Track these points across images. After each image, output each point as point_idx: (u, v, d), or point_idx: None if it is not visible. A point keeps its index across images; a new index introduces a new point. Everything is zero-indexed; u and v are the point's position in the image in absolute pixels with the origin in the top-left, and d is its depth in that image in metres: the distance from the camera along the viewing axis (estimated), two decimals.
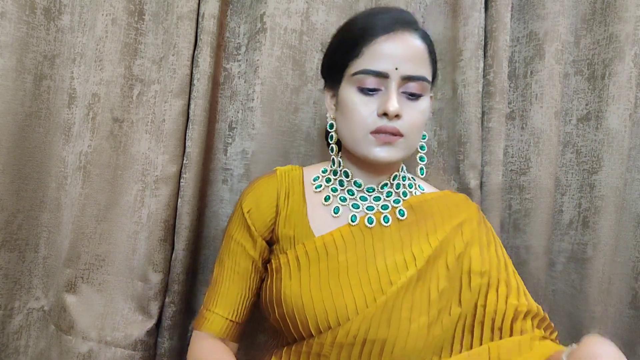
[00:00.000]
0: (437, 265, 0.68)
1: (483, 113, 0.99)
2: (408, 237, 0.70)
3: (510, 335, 0.65)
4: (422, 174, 0.74)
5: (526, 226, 0.99)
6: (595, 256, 0.98)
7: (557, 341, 0.69)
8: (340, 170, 0.74)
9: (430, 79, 0.69)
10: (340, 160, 0.75)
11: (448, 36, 1.02)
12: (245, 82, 1.01)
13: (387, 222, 0.70)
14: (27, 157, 0.90)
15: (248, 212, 0.73)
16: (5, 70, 0.84)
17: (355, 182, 0.73)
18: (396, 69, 0.65)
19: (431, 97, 0.74)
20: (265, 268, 0.74)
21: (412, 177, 0.77)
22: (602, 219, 0.98)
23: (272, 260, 0.72)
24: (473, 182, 0.97)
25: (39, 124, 0.91)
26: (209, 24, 0.93)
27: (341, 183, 0.74)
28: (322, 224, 0.71)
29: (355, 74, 0.67)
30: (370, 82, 0.66)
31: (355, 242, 0.69)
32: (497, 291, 0.67)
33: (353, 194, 0.73)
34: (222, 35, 1.00)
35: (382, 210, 0.71)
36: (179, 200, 0.93)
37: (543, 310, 0.70)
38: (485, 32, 0.99)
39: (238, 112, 1.01)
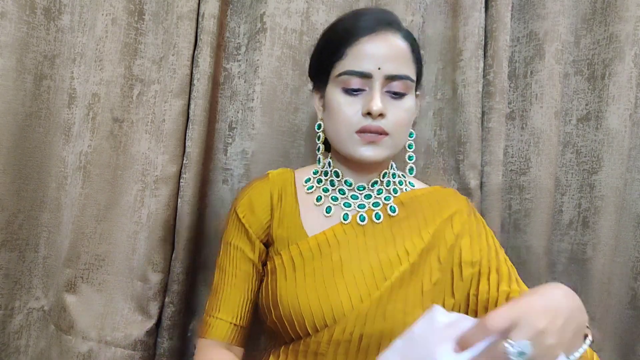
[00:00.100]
0: (430, 258, 0.69)
1: (483, 113, 0.99)
2: (400, 232, 0.70)
3: None
4: (411, 174, 0.75)
5: (526, 226, 0.99)
6: (595, 256, 0.98)
7: None
8: (331, 171, 0.75)
9: (414, 77, 0.70)
10: (330, 160, 0.76)
11: (448, 36, 1.02)
12: (245, 82, 1.01)
13: (378, 219, 0.71)
14: (28, 157, 0.90)
15: (244, 216, 0.74)
16: (6, 70, 0.84)
17: (346, 182, 0.74)
18: (379, 68, 0.66)
19: (417, 95, 0.75)
20: (263, 270, 0.74)
21: (402, 174, 0.78)
22: (602, 219, 0.97)
23: (268, 263, 0.72)
24: (473, 182, 0.97)
25: (39, 124, 0.91)
26: (209, 24, 0.93)
27: (332, 183, 0.75)
28: (315, 224, 0.72)
29: (340, 75, 0.68)
30: (354, 82, 0.67)
31: (348, 240, 0.69)
32: (488, 279, 0.68)
33: (344, 193, 0.74)
34: (222, 35, 1.00)
35: (373, 208, 0.72)
36: (179, 200, 0.94)
37: None
38: (485, 32, 0.99)
39: (238, 112, 1.01)
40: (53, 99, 0.93)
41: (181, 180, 0.94)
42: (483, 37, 0.98)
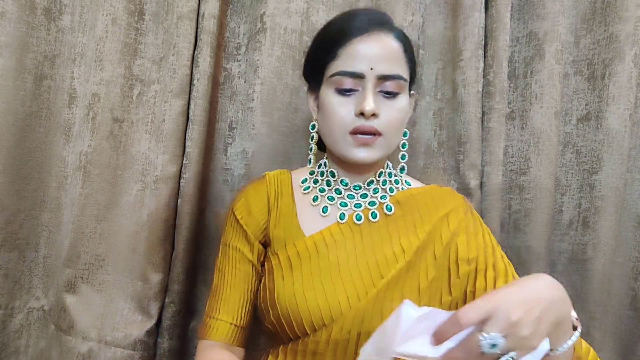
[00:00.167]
0: (426, 256, 0.69)
1: (483, 113, 0.99)
2: (396, 231, 0.71)
3: None
4: (402, 173, 0.76)
5: (526, 226, 0.99)
6: (595, 257, 0.98)
7: None
8: (327, 171, 0.76)
9: (407, 77, 0.70)
10: (326, 160, 0.77)
11: (448, 36, 1.02)
12: (245, 82, 1.01)
13: (375, 218, 0.71)
14: (28, 157, 0.90)
15: (241, 218, 0.74)
16: (6, 70, 0.84)
17: (342, 181, 0.75)
18: (371, 69, 0.67)
19: (412, 94, 0.75)
20: (262, 270, 0.74)
21: (398, 174, 0.78)
22: (602, 219, 0.97)
23: (266, 263, 0.73)
24: (473, 182, 0.97)
25: (39, 124, 0.91)
26: (209, 24, 0.93)
27: (328, 183, 0.76)
28: (311, 224, 0.72)
29: (333, 75, 0.69)
30: (347, 83, 0.68)
31: (345, 239, 0.70)
32: (485, 276, 0.68)
33: (340, 193, 0.74)
34: (222, 35, 1.00)
35: (369, 207, 0.73)
36: (179, 200, 0.94)
37: None
38: (485, 32, 0.99)
39: (238, 112, 1.01)
40: (53, 99, 0.93)
41: (181, 180, 0.94)
42: (483, 37, 0.98)
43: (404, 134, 0.74)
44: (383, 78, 0.67)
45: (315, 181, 0.76)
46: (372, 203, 0.73)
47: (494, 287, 0.67)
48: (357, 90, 0.68)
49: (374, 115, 0.67)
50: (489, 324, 0.45)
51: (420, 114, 1.03)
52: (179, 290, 0.94)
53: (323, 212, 0.73)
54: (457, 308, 0.67)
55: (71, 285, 0.91)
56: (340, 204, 0.73)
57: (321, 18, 1.00)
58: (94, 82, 0.91)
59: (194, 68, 0.94)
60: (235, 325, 0.72)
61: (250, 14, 1.01)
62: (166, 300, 0.94)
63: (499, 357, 0.45)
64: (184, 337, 0.98)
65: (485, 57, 0.99)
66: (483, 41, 0.98)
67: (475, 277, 0.68)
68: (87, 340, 0.89)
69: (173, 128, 0.93)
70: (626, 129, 0.97)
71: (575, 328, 0.54)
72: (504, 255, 0.72)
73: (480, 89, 0.98)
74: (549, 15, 0.98)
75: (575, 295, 1.00)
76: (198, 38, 0.94)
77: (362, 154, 0.68)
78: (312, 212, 0.73)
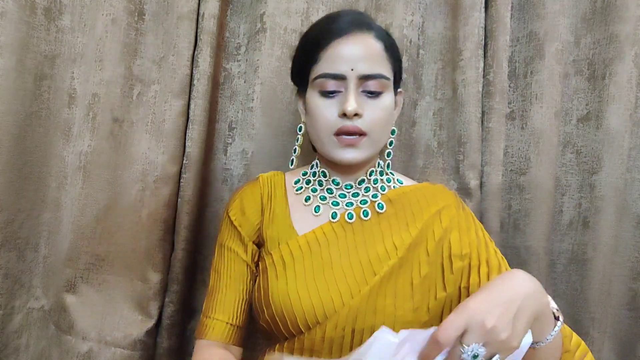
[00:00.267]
0: (418, 252, 0.69)
1: (483, 113, 0.99)
2: (388, 228, 0.71)
3: None
4: (387, 169, 0.77)
5: (526, 226, 0.99)
6: (595, 257, 0.98)
7: None
8: (318, 171, 0.77)
9: (389, 75, 0.71)
10: (318, 161, 0.79)
11: (448, 36, 1.02)
12: (245, 82, 1.01)
13: (366, 216, 0.72)
14: (28, 157, 0.90)
15: (235, 219, 0.76)
16: (6, 70, 0.84)
17: (333, 181, 0.76)
18: (352, 69, 0.68)
19: (400, 92, 0.77)
20: (257, 270, 0.75)
21: (390, 172, 0.78)
22: (602, 219, 0.97)
23: (260, 263, 0.74)
24: (473, 182, 0.97)
25: (39, 124, 0.91)
26: (209, 24, 0.93)
27: (320, 183, 0.77)
28: (304, 224, 0.73)
29: (316, 78, 0.70)
30: (330, 85, 0.69)
31: (337, 238, 0.70)
32: (478, 272, 0.68)
33: (332, 192, 0.76)
34: (222, 35, 1.00)
35: (361, 205, 0.73)
36: (179, 200, 0.94)
37: None
38: (485, 32, 0.99)
39: (238, 112, 1.01)
40: (53, 99, 0.93)
41: (181, 180, 0.94)
42: (483, 37, 0.98)
43: (392, 132, 0.76)
44: (364, 78, 0.68)
45: (308, 181, 0.78)
46: (363, 202, 0.74)
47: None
48: (341, 92, 0.69)
49: (357, 115, 0.68)
50: (466, 336, 0.47)
51: (420, 114, 1.03)
52: (178, 290, 0.94)
53: (315, 211, 0.74)
54: (452, 304, 0.68)
55: (71, 285, 0.91)
56: (332, 203, 0.74)
57: None
58: (94, 82, 0.91)
59: (194, 68, 0.94)
60: (231, 324, 0.73)
61: (250, 14, 1.01)
62: (166, 300, 0.94)
63: None
64: (183, 336, 0.98)
65: (485, 57, 0.99)
66: (483, 41, 0.98)
67: (469, 273, 0.68)
68: (87, 340, 0.90)
69: (173, 128, 0.93)
70: (626, 129, 0.97)
71: (557, 318, 0.56)
72: (498, 251, 0.72)
73: (480, 89, 0.98)
74: (549, 15, 0.98)
75: (575, 295, 1.00)
76: (198, 38, 0.94)
77: (348, 155, 0.69)
78: (305, 212, 0.74)
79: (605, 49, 0.99)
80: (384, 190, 0.75)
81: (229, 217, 0.77)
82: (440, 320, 0.68)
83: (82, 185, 0.91)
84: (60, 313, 0.91)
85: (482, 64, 0.98)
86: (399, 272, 0.68)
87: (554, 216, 1.02)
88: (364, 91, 0.69)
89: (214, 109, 1.00)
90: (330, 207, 0.74)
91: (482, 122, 0.98)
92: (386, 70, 0.70)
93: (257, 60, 0.98)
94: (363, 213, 0.72)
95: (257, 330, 0.89)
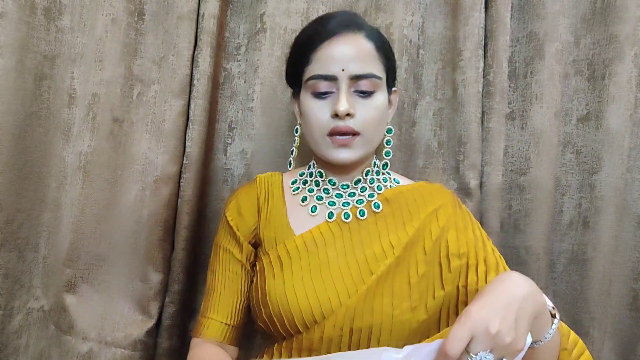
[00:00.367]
0: (415, 251, 0.69)
1: (483, 113, 0.99)
2: (385, 228, 0.71)
3: None
4: (384, 169, 0.77)
5: (526, 226, 0.99)
6: (595, 257, 0.98)
7: None
8: (315, 171, 0.78)
9: (381, 75, 0.71)
10: (315, 161, 0.79)
11: (448, 36, 1.02)
12: (245, 82, 1.01)
13: (362, 216, 0.72)
14: (28, 157, 0.90)
15: (232, 219, 0.76)
16: (6, 71, 0.84)
17: (330, 181, 0.76)
18: (343, 70, 0.68)
19: (395, 90, 0.77)
20: (253, 271, 0.76)
21: (387, 171, 0.79)
22: (602, 219, 0.97)
23: (257, 263, 0.74)
24: (473, 182, 0.97)
25: (39, 124, 0.91)
26: (209, 24, 0.93)
27: (317, 183, 0.77)
28: (301, 224, 0.73)
29: (308, 80, 0.71)
30: (322, 86, 0.70)
31: (334, 238, 0.71)
32: (476, 271, 0.68)
33: (329, 192, 0.76)
34: (222, 35, 1.00)
35: (357, 205, 0.73)
36: (179, 200, 0.94)
37: None
38: (485, 32, 0.99)
39: (238, 112, 1.01)
40: (53, 99, 0.93)
41: (181, 180, 0.94)
42: (483, 37, 0.98)
43: (388, 131, 0.76)
44: (356, 78, 0.69)
45: (305, 182, 0.78)
46: (360, 201, 0.74)
47: (486, 281, 0.68)
48: (333, 92, 0.70)
49: (349, 115, 0.68)
50: (472, 344, 0.47)
51: (420, 114, 1.03)
52: (178, 290, 0.94)
53: (312, 211, 0.74)
54: (450, 303, 0.68)
55: (71, 285, 0.91)
56: (328, 203, 0.74)
57: None
58: (94, 82, 0.91)
59: (194, 68, 0.94)
60: (227, 324, 0.74)
61: (250, 14, 1.01)
62: (166, 300, 0.94)
63: None
64: (183, 337, 0.98)
65: (485, 57, 0.99)
66: (483, 41, 0.98)
67: (467, 271, 0.68)
68: (87, 340, 0.89)
69: (173, 128, 0.93)
70: (626, 129, 0.97)
71: (554, 316, 0.56)
72: (495, 249, 0.72)
73: (480, 89, 0.98)
74: (549, 15, 0.98)
75: (575, 295, 1.00)
76: (198, 38, 0.94)
77: (342, 155, 0.70)
78: (302, 212, 0.75)
79: (605, 49, 0.99)
80: (380, 190, 0.75)
81: (226, 219, 0.77)
82: (439, 320, 0.69)
83: (82, 185, 0.91)
84: (60, 313, 0.91)
85: (482, 64, 0.98)
86: (396, 271, 0.68)
87: (554, 216, 1.02)
88: (355, 91, 0.69)
89: (214, 109, 1.00)
90: (327, 207, 0.74)
91: (482, 122, 0.99)
92: (377, 69, 0.70)
93: (257, 60, 0.98)
94: (359, 212, 0.72)
95: (255, 332, 0.89)
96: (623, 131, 0.97)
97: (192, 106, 0.94)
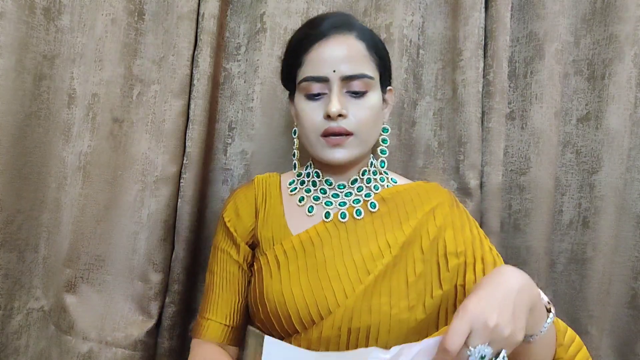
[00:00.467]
0: (412, 250, 0.70)
1: (483, 113, 0.99)
2: (382, 227, 0.71)
3: None
4: (382, 166, 0.77)
5: (526, 226, 0.99)
6: (595, 256, 0.98)
7: None
8: (312, 172, 0.78)
9: (373, 74, 0.71)
10: (311, 162, 0.79)
11: (448, 36, 1.02)
12: (245, 82, 1.01)
13: (359, 216, 0.72)
14: (27, 157, 0.90)
15: (229, 221, 0.77)
16: (5, 71, 0.84)
17: (326, 181, 0.77)
18: (334, 71, 0.69)
19: (390, 89, 0.77)
20: (251, 271, 0.76)
21: (384, 171, 0.79)
22: (602, 219, 0.97)
23: (255, 263, 0.74)
24: (473, 182, 0.97)
25: (39, 124, 0.91)
26: (209, 24, 0.93)
27: (314, 183, 0.77)
28: (298, 224, 0.73)
29: (301, 82, 0.72)
30: (314, 87, 0.70)
31: (330, 237, 0.71)
32: (474, 269, 0.68)
33: (325, 192, 0.76)
34: (222, 35, 1.00)
35: (354, 205, 0.74)
36: (179, 200, 0.94)
37: None
38: (485, 32, 0.99)
39: (238, 112, 1.01)
40: (53, 99, 0.92)
41: (181, 180, 0.94)
42: (483, 37, 0.98)
43: (384, 130, 0.76)
44: (347, 78, 0.69)
45: (302, 182, 0.78)
46: (356, 201, 0.74)
47: None
48: (325, 94, 0.70)
49: (341, 116, 0.69)
50: (471, 338, 0.47)
51: (420, 114, 1.03)
52: (179, 291, 0.94)
53: (309, 211, 0.74)
54: (448, 302, 0.68)
55: (71, 286, 0.91)
56: (325, 203, 0.74)
57: None
58: (94, 82, 0.91)
59: (194, 68, 0.94)
60: (226, 325, 0.74)
61: (250, 14, 1.01)
62: (166, 300, 0.94)
63: None
64: (184, 337, 0.98)
65: (485, 57, 0.99)
66: (483, 41, 0.98)
67: (465, 270, 0.69)
68: (87, 340, 0.89)
69: (173, 128, 0.93)
70: (626, 129, 0.97)
71: (549, 311, 0.57)
72: (493, 247, 0.72)
73: (480, 89, 0.98)
74: (549, 15, 0.98)
75: (575, 294, 1.00)
76: (198, 38, 0.94)
77: (336, 155, 0.70)
78: (299, 212, 0.75)
79: (605, 49, 0.99)
80: (377, 190, 0.75)
81: (223, 220, 0.78)
82: (437, 319, 0.69)
83: (82, 186, 0.91)
84: (60, 313, 0.91)
85: (482, 64, 0.98)
86: (394, 270, 0.68)
87: (554, 216, 1.02)
88: (348, 92, 0.70)
89: (214, 109, 1.00)
90: (324, 207, 0.74)
91: (482, 122, 0.99)
92: (369, 69, 0.71)
93: (257, 60, 0.98)
94: (356, 212, 0.73)
95: None
96: (623, 131, 0.97)
97: (192, 106, 0.93)
